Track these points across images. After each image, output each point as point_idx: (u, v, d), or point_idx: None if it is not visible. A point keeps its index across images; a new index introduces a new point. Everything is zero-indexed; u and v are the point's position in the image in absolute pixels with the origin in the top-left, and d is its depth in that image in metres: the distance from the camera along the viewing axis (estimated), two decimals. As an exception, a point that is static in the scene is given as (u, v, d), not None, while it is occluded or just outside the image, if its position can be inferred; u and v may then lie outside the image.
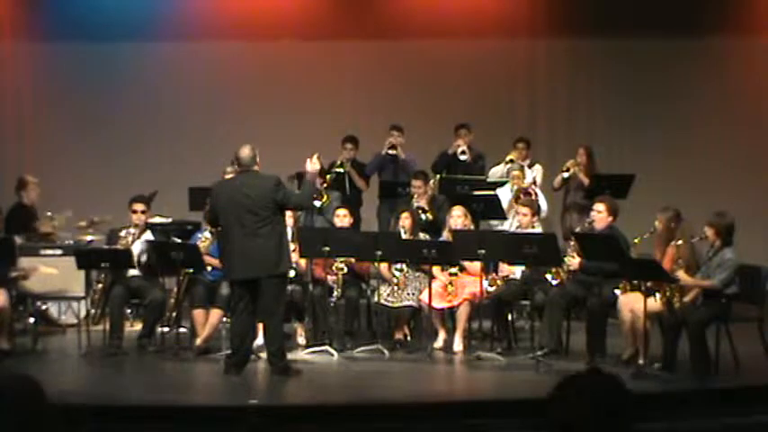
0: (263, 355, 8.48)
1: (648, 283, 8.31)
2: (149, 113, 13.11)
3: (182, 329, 9.55)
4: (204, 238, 9.38)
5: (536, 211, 9.69)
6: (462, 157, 11.32)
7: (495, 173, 11.39)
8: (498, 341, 9.35)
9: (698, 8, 12.98)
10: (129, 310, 10.01)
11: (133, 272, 9.52)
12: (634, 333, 8.51)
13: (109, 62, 13.03)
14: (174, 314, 9.62)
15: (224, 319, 9.19)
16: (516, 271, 9.31)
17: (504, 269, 9.36)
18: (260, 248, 8.17)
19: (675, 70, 13.16)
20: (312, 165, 8.60)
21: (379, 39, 13.36)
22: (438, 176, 11.04)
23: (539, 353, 8.76)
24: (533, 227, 9.54)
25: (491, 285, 9.30)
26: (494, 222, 10.70)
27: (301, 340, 9.54)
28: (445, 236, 9.76)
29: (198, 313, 9.31)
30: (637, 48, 13.15)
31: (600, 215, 8.99)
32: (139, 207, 9.65)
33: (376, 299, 9.61)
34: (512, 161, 11.16)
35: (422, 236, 9.85)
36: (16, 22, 13.24)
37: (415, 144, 11.57)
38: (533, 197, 10.49)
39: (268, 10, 13.29)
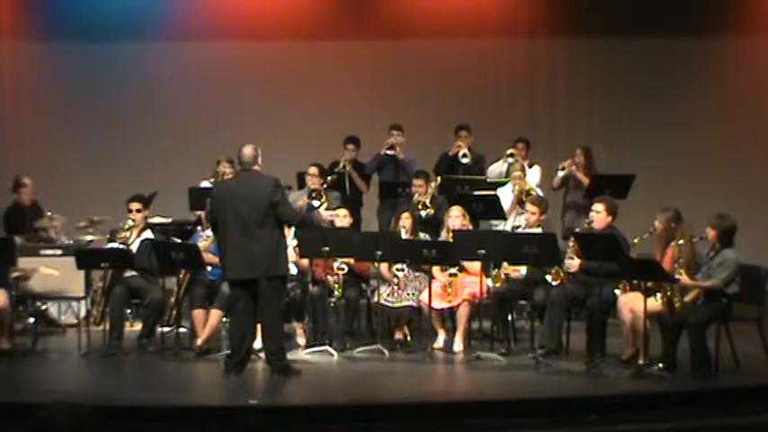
0: (263, 355, 8.48)
1: (649, 283, 8.31)
2: (149, 113, 13.12)
3: (182, 329, 9.55)
4: (206, 236, 9.39)
5: (544, 210, 9.68)
6: (464, 161, 11.33)
7: (494, 169, 11.40)
8: (499, 341, 9.35)
9: (698, 8, 12.99)
10: (128, 310, 10.01)
11: (133, 272, 9.53)
12: (634, 333, 8.51)
13: (109, 62, 13.04)
14: (174, 314, 9.63)
15: (224, 319, 9.19)
16: (522, 269, 9.30)
17: (508, 266, 9.36)
18: (258, 249, 8.15)
19: (675, 70, 13.16)
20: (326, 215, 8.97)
21: (380, 39, 13.37)
22: (439, 178, 11.02)
23: (539, 352, 8.77)
24: (538, 226, 9.53)
25: (495, 282, 9.30)
26: (494, 222, 10.70)
27: (301, 340, 9.54)
28: (444, 236, 9.77)
29: (198, 313, 9.32)
30: (637, 48, 13.15)
31: (599, 215, 8.99)
32: (135, 206, 9.66)
33: (376, 299, 9.61)
34: (512, 155, 11.16)
35: (422, 235, 9.86)
36: (16, 22, 13.25)
37: (415, 144, 11.57)
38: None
39: (268, 10, 13.30)
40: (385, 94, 13.15)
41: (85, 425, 3.31)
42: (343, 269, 9.59)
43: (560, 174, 11.11)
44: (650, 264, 8.35)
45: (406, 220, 9.89)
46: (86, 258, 9.50)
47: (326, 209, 10.15)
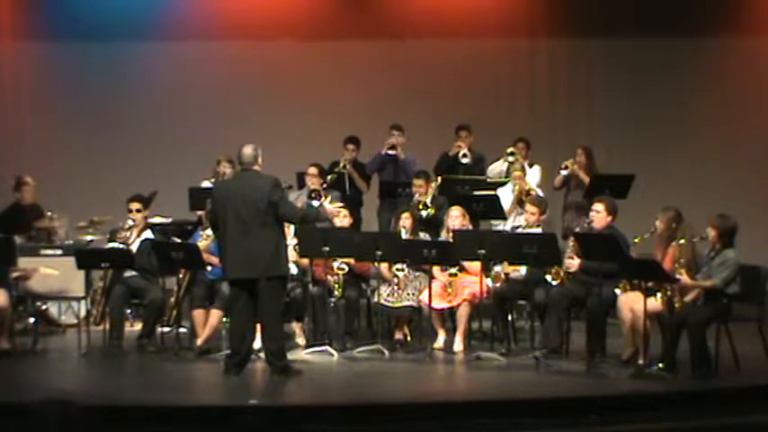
0: (263, 355, 8.47)
1: (649, 283, 8.31)
2: (149, 113, 13.12)
3: (182, 329, 9.56)
4: (206, 236, 9.39)
5: (544, 210, 9.68)
6: (464, 161, 11.33)
7: (494, 168, 11.41)
8: (499, 341, 9.36)
9: (698, 8, 12.99)
10: (129, 311, 10.02)
11: (132, 272, 9.53)
12: (634, 333, 8.51)
13: (109, 62, 13.04)
14: (174, 314, 9.64)
15: (224, 319, 9.19)
16: (522, 269, 9.31)
17: (508, 266, 9.36)
18: (258, 249, 8.15)
19: (675, 70, 13.17)
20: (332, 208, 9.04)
21: (380, 39, 13.37)
22: (440, 178, 11.02)
23: (543, 350, 8.78)
24: (537, 226, 9.54)
25: (495, 282, 9.30)
26: (494, 222, 10.70)
27: (301, 340, 9.54)
28: (444, 236, 9.77)
29: (198, 313, 9.32)
30: (637, 48, 13.15)
31: (599, 215, 8.99)
32: (135, 206, 9.67)
33: (376, 299, 9.61)
34: (512, 153, 11.16)
35: (422, 235, 9.86)
36: (16, 22, 13.25)
37: (415, 144, 11.57)
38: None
39: (268, 10, 13.30)
40: (385, 94, 13.15)
41: (76, 422, 3.32)
42: (343, 269, 9.60)
43: (564, 173, 11.10)
44: (650, 264, 8.36)
45: (406, 220, 9.89)
46: (86, 258, 9.51)
47: (331, 201, 10.08)
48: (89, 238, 10.80)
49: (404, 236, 9.72)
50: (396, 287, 9.62)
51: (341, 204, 9.81)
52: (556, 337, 8.92)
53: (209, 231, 9.28)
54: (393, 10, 13.41)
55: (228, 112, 13.01)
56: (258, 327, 8.45)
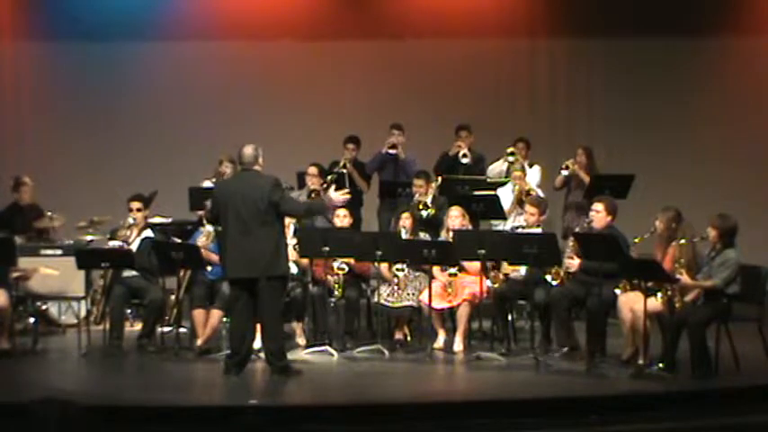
0: (263, 355, 8.47)
1: (649, 283, 8.31)
2: (149, 113, 13.12)
3: (182, 329, 9.56)
4: (207, 233, 9.39)
5: (543, 210, 9.68)
6: (464, 161, 11.33)
7: (494, 168, 11.41)
8: (499, 341, 9.36)
9: (698, 8, 13.00)
10: (129, 311, 10.02)
11: (132, 272, 9.53)
12: (634, 333, 8.51)
13: (109, 62, 13.04)
14: (175, 312, 9.64)
15: (224, 319, 9.19)
16: (522, 269, 9.31)
17: (508, 266, 9.37)
18: (258, 248, 8.16)
19: (675, 70, 13.17)
20: (338, 196, 8.86)
21: (380, 39, 13.37)
22: (440, 179, 11.02)
23: (562, 351, 8.88)
24: (537, 226, 9.54)
25: (494, 283, 9.31)
26: (494, 222, 10.70)
27: (301, 340, 9.55)
28: (444, 236, 9.77)
29: (198, 313, 9.32)
30: (637, 48, 13.16)
31: (598, 215, 9.00)
32: (135, 205, 9.69)
33: (376, 299, 9.61)
34: (512, 153, 11.15)
35: (422, 235, 9.86)
36: (16, 22, 13.25)
37: (415, 144, 11.57)
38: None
39: (268, 10, 13.30)
40: (385, 94, 13.14)
41: (76, 422, 3.34)
42: (343, 269, 9.60)
43: (564, 173, 11.10)
44: (650, 264, 8.36)
45: (406, 220, 9.89)
46: (86, 258, 9.51)
47: (336, 189, 9.98)
48: (89, 238, 10.80)
49: (404, 236, 9.72)
50: (396, 287, 9.62)
51: (347, 190, 9.72)
52: (569, 337, 8.96)
53: (209, 228, 9.29)
54: (393, 10, 13.41)
55: (228, 112, 13.01)
56: (258, 327, 8.45)
